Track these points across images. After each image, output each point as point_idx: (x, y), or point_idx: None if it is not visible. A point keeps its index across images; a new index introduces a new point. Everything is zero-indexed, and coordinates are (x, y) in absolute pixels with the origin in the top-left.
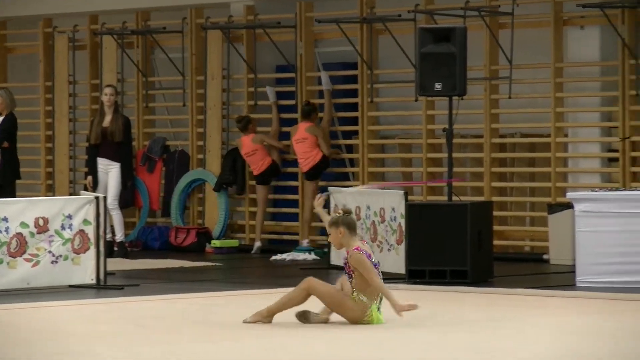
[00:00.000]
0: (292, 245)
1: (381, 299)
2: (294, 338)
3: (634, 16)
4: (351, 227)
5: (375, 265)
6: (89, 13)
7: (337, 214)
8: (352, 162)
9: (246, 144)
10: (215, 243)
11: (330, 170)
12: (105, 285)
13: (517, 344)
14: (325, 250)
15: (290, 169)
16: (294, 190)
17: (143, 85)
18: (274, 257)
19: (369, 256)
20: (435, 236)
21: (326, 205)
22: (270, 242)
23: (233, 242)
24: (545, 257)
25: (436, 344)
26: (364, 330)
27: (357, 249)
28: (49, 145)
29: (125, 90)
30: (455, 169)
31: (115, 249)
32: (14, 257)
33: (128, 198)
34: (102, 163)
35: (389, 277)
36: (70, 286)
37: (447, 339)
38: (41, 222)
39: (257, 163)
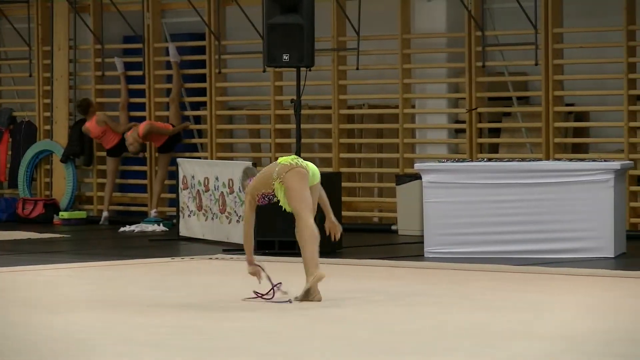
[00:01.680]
0: (141, 217)
1: None
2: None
3: None
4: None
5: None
6: None
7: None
8: (201, 133)
9: (93, 129)
10: (63, 215)
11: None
12: None
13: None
14: (174, 221)
15: None
16: (142, 162)
17: None
18: (122, 229)
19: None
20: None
21: (174, 176)
22: (118, 213)
23: (81, 214)
24: (393, 227)
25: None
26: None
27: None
28: None
29: None
30: (303, 140)
31: None
32: None
33: None
34: None
35: (239, 249)
36: None
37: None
38: None
39: (107, 141)
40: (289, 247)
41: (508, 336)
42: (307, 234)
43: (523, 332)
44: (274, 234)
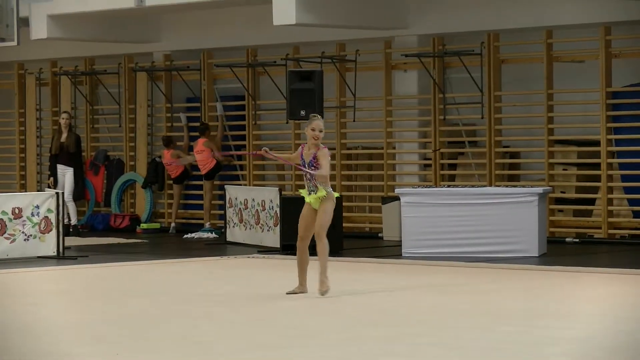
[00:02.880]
0: (198, 227)
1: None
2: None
3: (441, 63)
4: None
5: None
6: (50, 59)
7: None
8: (242, 167)
9: (166, 156)
10: (143, 226)
11: (225, 173)
12: (63, 256)
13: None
14: (222, 230)
15: (195, 172)
16: (198, 187)
17: (90, 112)
18: (185, 236)
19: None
20: (295, 219)
21: (221, 198)
22: (182, 224)
23: (156, 225)
24: (380, 235)
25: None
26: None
27: (325, 147)
28: (22, 155)
29: (78, 115)
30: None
31: (71, 230)
32: None
33: (80, 193)
34: (60, 168)
35: (269, 250)
36: (38, 257)
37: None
38: (17, 210)
39: (173, 170)
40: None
41: (464, 314)
42: (327, 249)
43: (472, 311)
44: None
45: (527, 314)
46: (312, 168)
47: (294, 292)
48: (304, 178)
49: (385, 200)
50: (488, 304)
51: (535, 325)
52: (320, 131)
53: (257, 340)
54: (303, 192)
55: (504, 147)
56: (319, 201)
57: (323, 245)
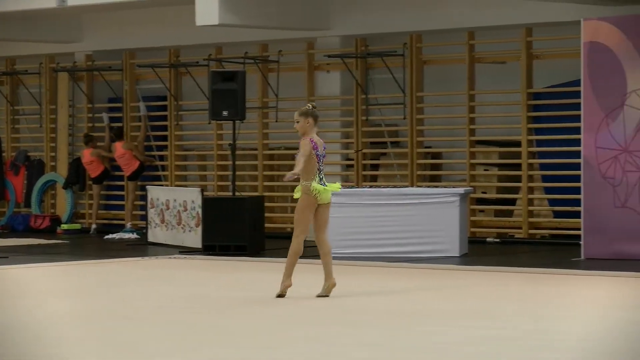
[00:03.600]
0: (120, 228)
1: (320, 178)
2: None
3: (364, 64)
4: (316, 120)
5: (319, 156)
6: None
7: (308, 107)
8: (163, 168)
9: (86, 155)
10: (64, 226)
11: (147, 174)
12: None
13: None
14: (144, 231)
15: (117, 173)
16: (120, 188)
17: (11, 112)
18: (106, 237)
19: (316, 147)
20: (223, 220)
21: (143, 198)
22: (103, 225)
23: (76, 226)
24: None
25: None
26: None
27: (311, 139)
28: None
29: None
30: (237, 173)
31: None
32: None
33: (0, 194)
34: None
35: (190, 251)
36: None
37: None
38: None
39: (93, 170)
40: (226, 250)
41: (386, 314)
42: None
43: (393, 311)
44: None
45: (448, 314)
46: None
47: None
48: (318, 172)
49: None
50: (410, 303)
51: (457, 325)
52: (297, 122)
53: (178, 342)
54: (319, 188)
55: (426, 147)
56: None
57: (328, 245)
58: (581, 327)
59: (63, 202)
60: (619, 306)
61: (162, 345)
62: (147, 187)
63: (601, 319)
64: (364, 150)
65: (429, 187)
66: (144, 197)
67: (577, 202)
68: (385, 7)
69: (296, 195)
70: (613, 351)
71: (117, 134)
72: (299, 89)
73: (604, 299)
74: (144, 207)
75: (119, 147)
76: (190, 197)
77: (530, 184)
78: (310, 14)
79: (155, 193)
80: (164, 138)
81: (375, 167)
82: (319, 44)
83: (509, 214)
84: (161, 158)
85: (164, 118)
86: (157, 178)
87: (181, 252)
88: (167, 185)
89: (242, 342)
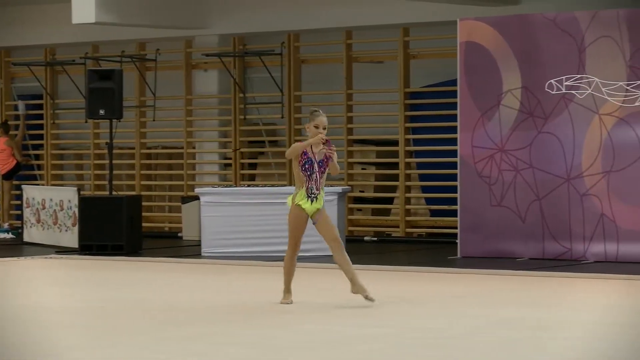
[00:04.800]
0: None
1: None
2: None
3: (242, 63)
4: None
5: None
6: None
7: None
8: (40, 167)
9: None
10: None
11: (23, 173)
12: None
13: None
14: (20, 231)
15: None
16: None
17: None
18: None
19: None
20: (100, 220)
21: (19, 198)
22: None
23: None
24: (180, 234)
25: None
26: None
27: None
28: None
29: None
30: (114, 172)
31: None
32: None
33: None
34: None
35: (67, 251)
36: None
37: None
38: None
39: (3, 165)
40: (103, 249)
41: (266, 312)
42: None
43: (273, 310)
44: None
45: (328, 312)
46: (322, 171)
47: (288, 302)
48: (307, 180)
49: (185, 200)
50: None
51: (338, 323)
52: (325, 128)
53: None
54: (299, 199)
55: None
56: (316, 209)
57: (345, 256)
58: (455, 323)
59: None
60: (490, 304)
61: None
62: (23, 186)
63: (474, 317)
64: (242, 150)
65: None
66: (19, 197)
67: (453, 201)
68: (263, 6)
69: (307, 207)
70: (467, 347)
71: (5, 128)
72: (176, 87)
73: (477, 297)
74: (19, 207)
75: (2, 142)
76: (66, 196)
77: (408, 183)
78: (188, 13)
79: (31, 192)
80: (40, 137)
81: (253, 166)
82: (197, 42)
83: (387, 212)
84: (37, 157)
85: (40, 117)
86: (33, 177)
87: (58, 252)
88: (43, 185)
89: (126, 340)
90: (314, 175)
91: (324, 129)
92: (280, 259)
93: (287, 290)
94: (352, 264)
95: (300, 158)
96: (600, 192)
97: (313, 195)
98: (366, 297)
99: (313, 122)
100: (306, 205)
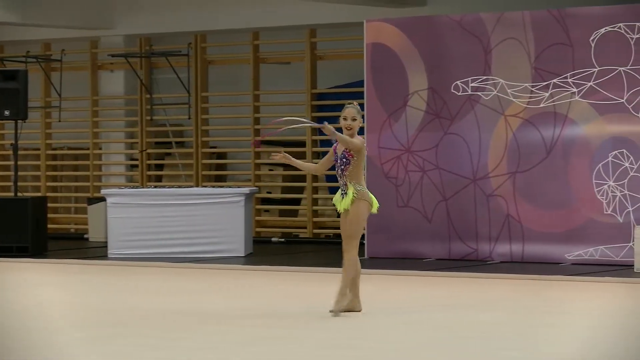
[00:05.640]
0: None
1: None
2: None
3: (149, 64)
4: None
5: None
6: None
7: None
8: None
9: None
10: None
11: None
12: None
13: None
14: None
15: None
16: None
17: None
18: None
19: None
20: (5, 221)
21: None
22: None
23: None
24: (86, 236)
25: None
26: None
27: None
28: None
29: None
30: (19, 173)
31: None
32: None
33: None
34: None
35: None
36: None
37: None
38: None
39: None
40: (8, 251)
41: (174, 314)
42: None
43: (181, 311)
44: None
45: (234, 314)
46: (344, 163)
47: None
48: (337, 177)
49: (91, 201)
50: (196, 303)
51: (244, 325)
52: (354, 119)
53: None
54: (336, 200)
55: (211, 147)
56: (348, 204)
57: (348, 259)
58: (357, 325)
59: None
60: (395, 304)
61: None
62: None
63: (382, 317)
64: (149, 150)
65: (214, 187)
66: None
67: None
68: (169, 6)
69: (338, 204)
70: (370, 347)
71: None
72: (82, 88)
73: (381, 297)
74: None
75: None
76: None
77: (315, 184)
78: (93, 13)
79: None
80: None
81: (160, 167)
82: (103, 43)
83: (294, 213)
84: None
85: None
86: None
87: None
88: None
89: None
90: (339, 170)
91: (354, 120)
92: (188, 260)
93: (342, 294)
94: (260, 264)
95: (334, 156)
96: (505, 192)
97: (343, 192)
98: (331, 311)
99: (342, 114)
100: (337, 201)
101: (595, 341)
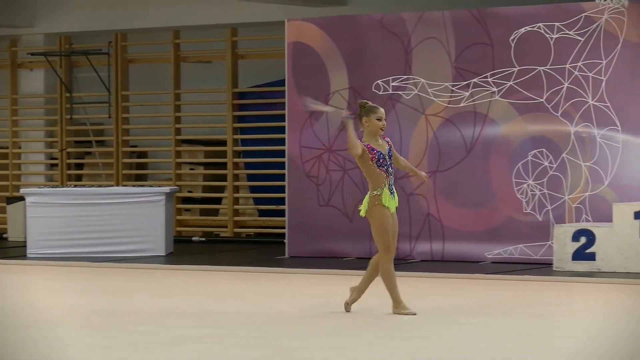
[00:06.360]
0: None
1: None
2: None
3: (69, 62)
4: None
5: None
6: None
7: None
8: None
9: None
10: None
11: None
12: None
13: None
14: None
15: None
16: None
17: None
18: None
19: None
20: None
21: None
22: None
23: None
24: (5, 235)
25: None
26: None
27: (367, 145)
28: None
29: None
30: None
31: None
32: None
33: None
34: None
35: None
36: None
37: None
38: None
39: None
40: None
41: (96, 314)
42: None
43: (104, 311)
44: None
45: (155, 313)
46: (389, 165)
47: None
48: (386, 176)
49: (10, 200)
50: (116, 303)
51: (165, 324)
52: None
53: None
54: (386, 199)
55: (132, 146)
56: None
57: (380, 267)
58: (277, 322)
59: None
60: (315, 303)
61: None
62: None
63: (295, 315)
64: (69, 149)
65: (134, 186)
66: None
67: (281, 201)
68: (89, 5)
69: (389, 204)
70: (292, 347)
71: None
72: (1, 87)
73: (304, 295)
74: None
75: None
76: None
77: (236, 183)
78: (13, 11)
79: None
80: None
81: (80, 166)
82: (23, 41)
83: (215, 213)
84: None
85: None
86: None
87: None
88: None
89: None
90: (390, 168)
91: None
92: (108, 259)
93: (399, 299)
94: (180, 264)
95: (371, 154)
96: (426, 191)
97: (393, 191)
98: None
99: (376, 114)
100: (393, 203)
101: (517, 339)
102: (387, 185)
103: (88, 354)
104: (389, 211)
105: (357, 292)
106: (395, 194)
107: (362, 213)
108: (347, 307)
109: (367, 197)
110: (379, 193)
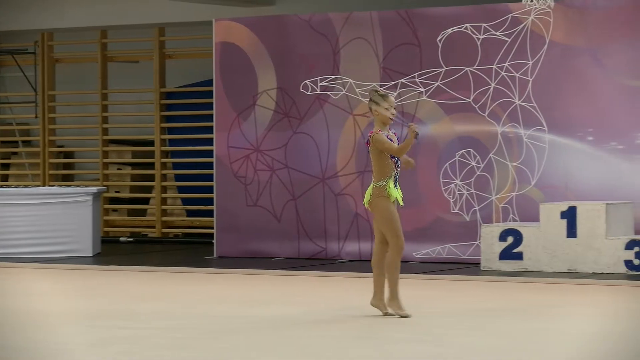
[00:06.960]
0: None
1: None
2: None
3: None
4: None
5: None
6: None
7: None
8: None
9: None
10: None
11: None
12: None
13: None
14: None
15: None
16: None
17: None
18: None
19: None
20: None
21: None
22: None
23: None
24: None
25: None
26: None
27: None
28: None
29: None
30: None
31: None
32: None
33: None
34: None
35: None
36: None
37: None
38: None
39: None
40: None
41: (20, 314)
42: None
43: (27, 312)
44: None
45: (83, 314)
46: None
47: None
48: (395, 168)
49: None
50: (43, 304)
51: (96, 325)
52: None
53: None
54: (392, 190)
55: (59, 146)
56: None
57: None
58: (200, 323)
59: None
60: (243, 303)
61: None
62: None
63: (221, 317)
64: None
65: (61, 186)
66: None
67: (209, 201)
68: (15, 4)
69: (397, 195)
70: (218, 347)
71: None
72: None
73: (234, 297)
74: None
75: None
76: None
77: (164, 183)
78: None
79: None
80: None
81: (6, 166)
82: None
83: (143, 213)
84: None
85: None
86: None
87: None
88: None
89: None
90: (399, 161)
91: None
92: (36, 260)
93: (397, 297)
94: (108, 264)
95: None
96: (354, 191)
97: (397, 183)
98: (385, 314)
99: (386, 102)
100: (398, 193)
101: (446, 338)
102: (392, 177)
103: (5, 354)
104: (392, 201)
105: (377, 298)
106: (399, 187)
107: (366, 204)
108: (384, 310)
109: (370, 187)
110: (383, 184)
